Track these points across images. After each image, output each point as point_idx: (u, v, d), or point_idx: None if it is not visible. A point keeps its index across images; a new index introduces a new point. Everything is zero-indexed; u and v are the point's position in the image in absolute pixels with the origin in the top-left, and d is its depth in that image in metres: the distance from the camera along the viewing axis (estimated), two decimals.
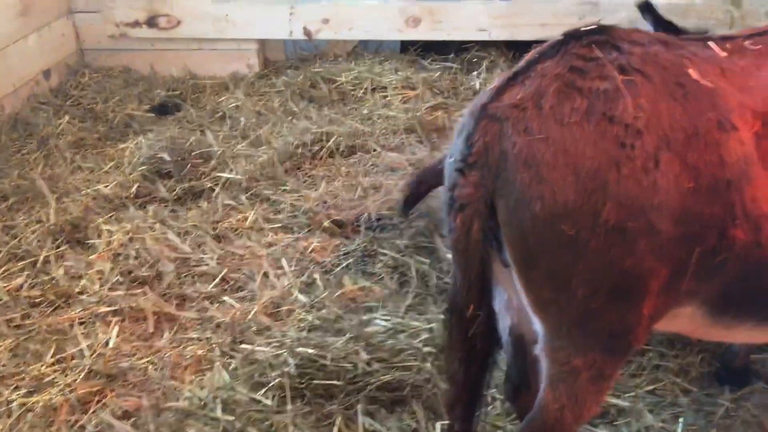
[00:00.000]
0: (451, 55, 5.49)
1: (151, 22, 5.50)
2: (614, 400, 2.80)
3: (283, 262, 3.48)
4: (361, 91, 5.20)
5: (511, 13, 5.14)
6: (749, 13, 4.90)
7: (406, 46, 5.70)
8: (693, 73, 1.89)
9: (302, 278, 3.38)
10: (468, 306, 1.95)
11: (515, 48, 5.35)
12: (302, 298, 3.25)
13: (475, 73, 5.34)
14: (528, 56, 2.00)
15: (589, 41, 1.91)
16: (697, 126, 1.82)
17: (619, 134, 1.77)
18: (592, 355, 1.99)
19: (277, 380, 2.74)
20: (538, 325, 2.04)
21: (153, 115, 5.03)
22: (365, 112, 4.95)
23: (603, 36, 1.93)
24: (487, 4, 5.20)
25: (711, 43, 2.03)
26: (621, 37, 1.94)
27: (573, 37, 1.95)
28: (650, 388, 2.87)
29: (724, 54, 2.00)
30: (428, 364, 2.85)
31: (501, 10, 5.17)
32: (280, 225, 3.79)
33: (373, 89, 5.23)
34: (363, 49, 5.79)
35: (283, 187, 4.09)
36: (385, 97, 5.14)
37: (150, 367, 2.96)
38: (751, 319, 2.12)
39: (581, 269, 1.83)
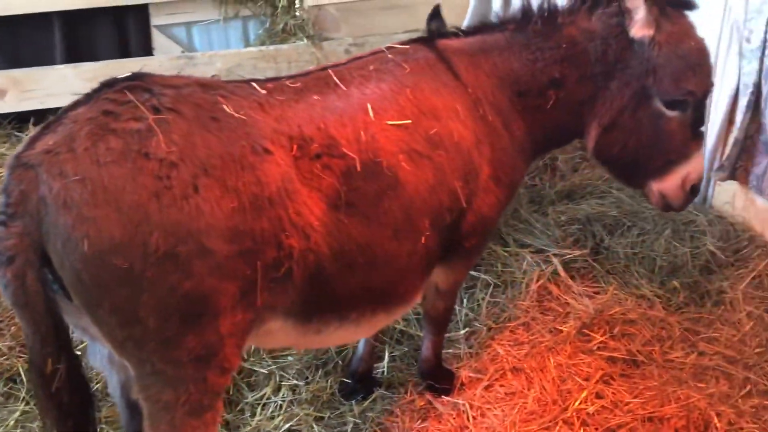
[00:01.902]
0: None
1: None
2: None
3: None
4: None
5: (102, 75, 4.89)
6: (330, 53, 5.40)
7: None
8: (227, 108, 2.05)
9: None
10: (46, 361, 1.86)
11: None
12: None
13: None
14: (65, 106, 2.00)
15: (122, 87, 1.98)
16: (233, 152, 1.98)
17: (154, 168, 1.85)
18: (184, 386, 1.99)
19: None
20: (129, 368, 2.00)
21: None
22: None
23: (136, 81, 2.01)
24: (78, 67, 4.94)
25: (253, 84, 2.25)
26: (155, 81, 2.04)
27: (106, 84, 2.01)
28: (287, 426, 2.94)
29: (264, 92, 2.21)
30: None
31: (94, 72, 4.93)
32: None
33: None
34: None
35: None
36: None
37: None
38: (333, 321, 2.35)
39: (145, 300, 1.85)
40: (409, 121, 2.38)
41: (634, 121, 2.67)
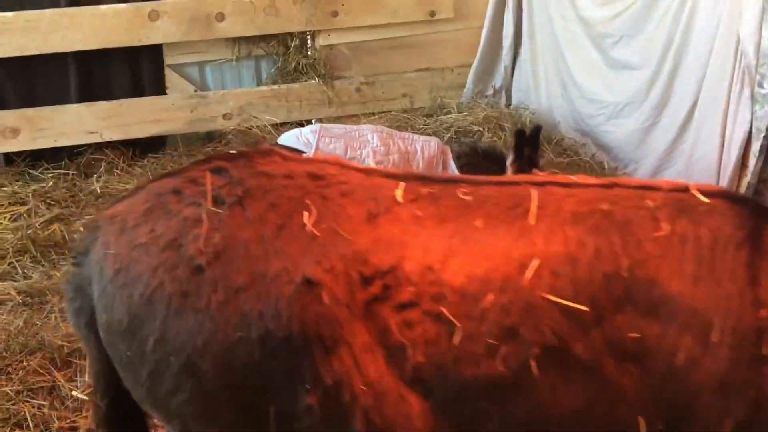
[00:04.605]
0: (64, 161, 5.12)
1: None
2: None
3: None
4: None
5: (118, 113, 5.00)
6: (341, 91, 5.44)
7: (11, 157, 5.18)
8: (305, 216, 1.69)
9: None
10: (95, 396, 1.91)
11: (133, 146, 5.20)
12: None
13: (94, 176, 5.05)
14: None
15: (210, 166, 1.81)
16: (265, 274, 1.64)
17: (179, 264, 1.67)
18: None
19: None
20: None
21: None
22: None
23: (230, 162, 1.82)
24: (92, 106, 4.99)
25: (401, 183, 1.76)
26: (253, 164, 1.80)
27: (206, 159, 1.91)
28: None
29: (400, 199, 1.73)
30: None
31: (107, 111, 5.00)
32: None
33: None
34: None
35: None
36: None
37: None
38: None
39: (139, 395, 1.81)
40: (585, 309, 1.58)
41: None
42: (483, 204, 1.71)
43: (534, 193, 1.69)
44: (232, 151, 1.88)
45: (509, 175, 3.49)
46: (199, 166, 1.84)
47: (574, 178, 1.78)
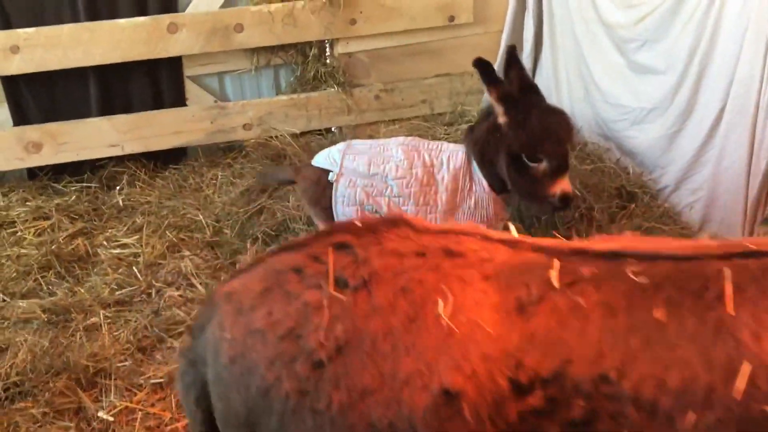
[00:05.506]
0: (87, 174, 5.15)
1: None
2: None
3: None
4: None
5: (139, 126, 5.01)
6: (360, 99, 5.41)
7: (34, 172, 5.22)
8: (441, 306, 1.46)
9: None
10: None
11: (155, 158, 5.22)
12: None
13: (116, 189, 5.08)
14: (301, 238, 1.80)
15: (333, 241, 1.62)
16: (396, 374, 1.43)
17: (298, 356, 1.49)
18: None
19: None
20: None
21: None
22: None
23: (351, 236, 1.63)
24: (113, 119, 5.00)
25: (557, 261, 1.48)
26: (375, 240, 1.60)
27: (330, 230, 1.72)
28: None
29: (561, 280, 1.45)
30: None
31: (128, 124, 5.01)
32: None
33: (0, 226, 4.69)
34: None
35: None
36: (15, 233, 4.63)
37: None
38: None
39: None
40: None
41: None
42: (661, 287, 1.39)
43: (727, 271, 1.33)
44: (357, 222, 1.67)
45: (495, 106, 3.23)
46: (322, 240, 1.66)
47: (749, 244, 1.43)
